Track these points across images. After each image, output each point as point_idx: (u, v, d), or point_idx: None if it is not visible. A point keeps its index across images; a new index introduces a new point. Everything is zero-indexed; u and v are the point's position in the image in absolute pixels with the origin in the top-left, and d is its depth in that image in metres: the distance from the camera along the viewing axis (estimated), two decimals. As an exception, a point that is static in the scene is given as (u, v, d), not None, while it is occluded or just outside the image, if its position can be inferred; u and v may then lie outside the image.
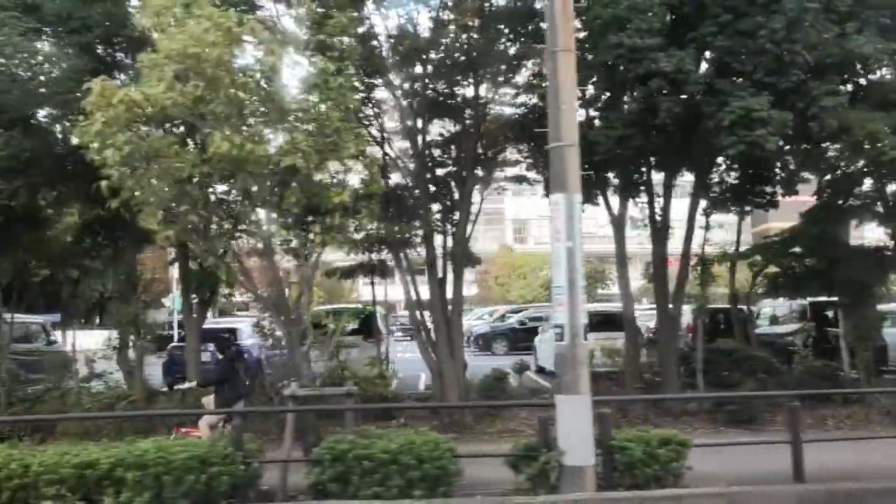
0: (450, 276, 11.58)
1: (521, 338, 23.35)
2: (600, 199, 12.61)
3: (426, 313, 11.62)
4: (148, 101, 6.75)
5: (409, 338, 26.52)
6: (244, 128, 6.85)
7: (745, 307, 14.20)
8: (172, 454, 6.67)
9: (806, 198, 12.84)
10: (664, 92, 8.98)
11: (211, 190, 7.61)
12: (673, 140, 9.62)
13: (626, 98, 9.75)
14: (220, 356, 9.42)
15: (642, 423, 10.80)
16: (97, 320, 50.14)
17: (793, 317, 15.08)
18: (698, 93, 9.13)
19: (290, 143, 6.90)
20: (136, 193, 7.29)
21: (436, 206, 11.92)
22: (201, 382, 9.86)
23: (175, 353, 14.11)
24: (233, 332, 14.72)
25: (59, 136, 10.31)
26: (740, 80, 9.29)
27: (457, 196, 12.22)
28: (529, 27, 10.71)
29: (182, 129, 7.90)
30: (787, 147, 10.14)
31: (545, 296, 42.28)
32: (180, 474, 6.57)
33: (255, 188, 7.19)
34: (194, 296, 12.09)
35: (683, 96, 9.16)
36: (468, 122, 11.69)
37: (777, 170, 11.27)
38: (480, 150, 11.79)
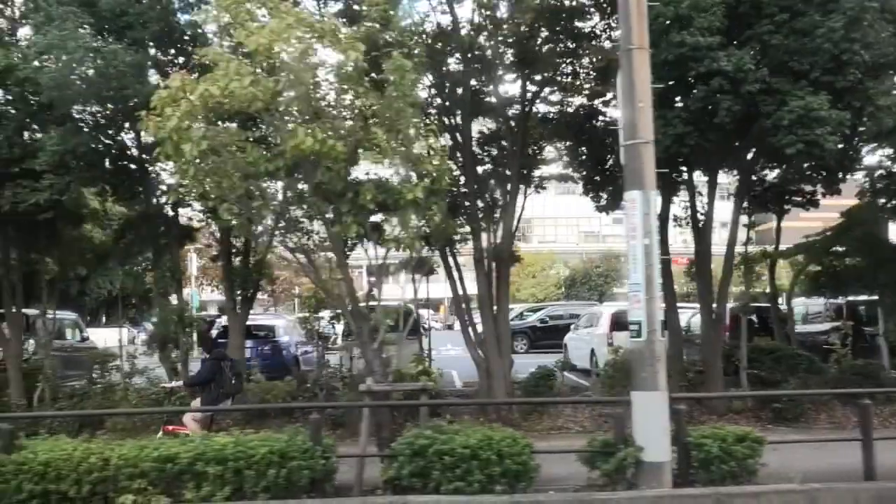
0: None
1: (541, 336, 23.39)
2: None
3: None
4: (226, 95, 6.75)
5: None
6: (327, 124, 6.84)
7: (783, 306, 14.23)
8: (252, 448, 6.70)
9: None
10: (724, 90, 9.00)
11: (282, 185, 7.62)
12: (728, 139, 9.65)
13: (683, 97, 9.76)
14: (207, 355, 9.39)
15: (687, 421, 10.88)
16: (103, 318, 50.36)
17: (827, 315, 15.12)
18: (757, 92, 9.14)
19: (368, 139, 6.91)
20: (209, 188, 7.31)
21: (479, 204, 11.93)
22: (188, 382, 9.83)
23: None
24: (270, 328, 14.81)
25: (110, 131, 10.32)
26: (797, 79, 9.31)
27: (496, 193, 12.26)
28: (578, 24, 10.73)
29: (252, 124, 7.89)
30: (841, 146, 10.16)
31: (556, 295, 42.53)
32: (261, 468, 6.60)
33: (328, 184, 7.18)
34: (238, 292, 12.07)
35: (742, 96, 9.16)
36: (512, 119, 11.71)
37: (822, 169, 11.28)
38: (526, 148, 11.81)
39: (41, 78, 8.76)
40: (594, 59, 10.14)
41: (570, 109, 12.17)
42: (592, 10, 10.59)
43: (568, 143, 13.22)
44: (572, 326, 17.75)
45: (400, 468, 6.69)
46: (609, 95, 11.26)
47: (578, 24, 10.93)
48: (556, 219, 50.39)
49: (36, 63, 9.79)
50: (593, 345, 14.58)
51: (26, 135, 10.51)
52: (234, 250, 12.26)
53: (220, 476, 6.59)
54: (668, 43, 8.85)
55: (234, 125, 7.41)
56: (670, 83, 9.07)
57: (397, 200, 7.38)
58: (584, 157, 13.16)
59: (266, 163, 7.20)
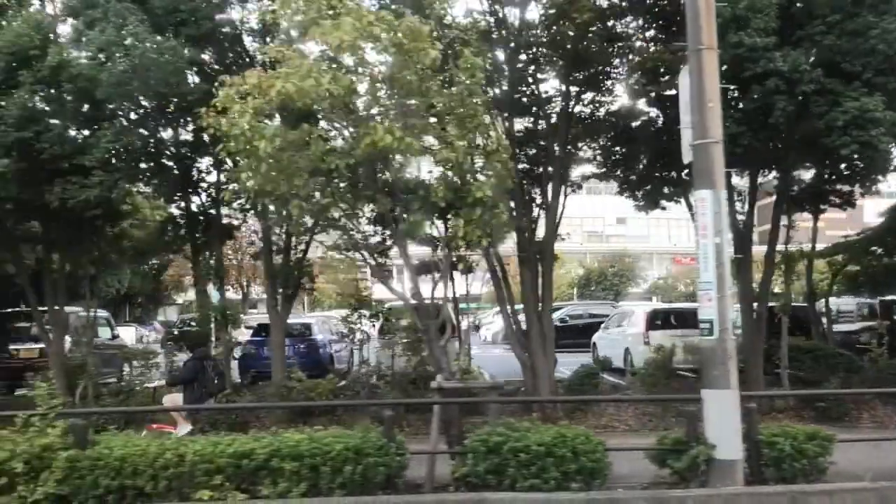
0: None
1: (562, 335, 23.30)
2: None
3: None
4: (301, 93, 6.78)
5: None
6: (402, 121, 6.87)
7: (821, 306, 14.27)
8: (326, 445, 6.73)
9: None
10: (780, 91, 9.03)
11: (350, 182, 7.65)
12: (781, 139, 9.68)
13: (739, 97, 9.79)
14: (190, 355, 9.46)
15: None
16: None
17: (859, 315, 15.16)
18: (811, 92, 9.17)
19: (442, 136, 6.94)
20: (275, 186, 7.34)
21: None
22: (170, 381, 9.90)
23: (249, 347, 14.14)
24: (306, 326, 14.84)
25: (160, 128, 10.34)
26: (849, 80, 9.34)
27: (539, 192, 12.30)
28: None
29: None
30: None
31: (568, 294, 42.52)
32: (338, 465, 6.62)
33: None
34: (279, 290, 12.08)
35: (796, 96, 9.20)
36: (554, 118, 11.74)
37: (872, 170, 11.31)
38: (570, 147, 11.85)
39: (101, 75, 8.77)
40: (641, 59, 10.12)
41: (611, 109, 12.17)
42: (639, 10, 10.59)
43: (603, 143, 13.24)
44: (602, 326, 17.79)
45: (474, 465, 6.72)
46: (652, 95, 11.25)
47: (625, 24, 10.94)
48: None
49: (84, 59, 9.82)
50: (627, 344, 14.63)
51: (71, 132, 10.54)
52: (274, 248, 12.27)
53: (296, 472, 6.62)
54: (726, 43, 8.84)
55: (305, 123, 7.37)
56: (726, 83, 9.07)
57: (465, 198, 7.42)
58: (619, 156, 13.20)
59: (336, 160, 7.22)
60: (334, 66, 6.91)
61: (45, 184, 10.24)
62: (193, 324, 34.82)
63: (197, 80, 10.09)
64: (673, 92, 11.02)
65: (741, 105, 9.45)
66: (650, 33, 11.37)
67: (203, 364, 9.19)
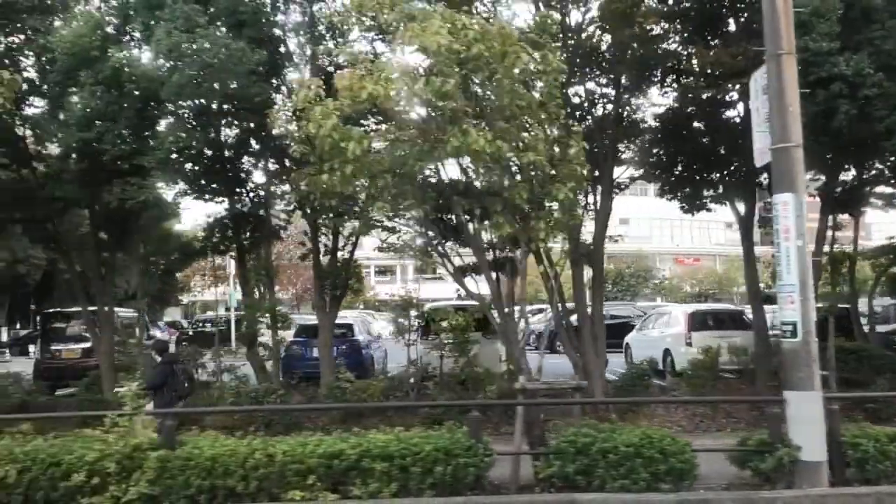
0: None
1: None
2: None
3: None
4: (391, 94, 6.82)
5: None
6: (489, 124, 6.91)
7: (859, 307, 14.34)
8: (415, 445, 6.77)
9: None
10: (843, 95, 9.10)
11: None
12: (840, 143, 9.76)
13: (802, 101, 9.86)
14: (159, 358, 9.44)
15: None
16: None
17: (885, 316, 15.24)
18: (873, 96, 9.24)
19: (532, 139, 6.99)
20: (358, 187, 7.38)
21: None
22: (142, 386, 9.86)
23: (293, 348, 14.14)
24: (348, 327, 14.86)
25: (221, 129, 10.37)
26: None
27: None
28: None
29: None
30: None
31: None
32: (428, 465, 6.66)
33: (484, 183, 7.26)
34: (327, 291, 12.11)
35: (858, 100, 9.26)
36: (604, 120, 11.80)
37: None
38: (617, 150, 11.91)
39: (173, 77, 8.79)
40: (700, 62, 10.17)
41: (658, 111, 12.25)
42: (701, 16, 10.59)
43: (646, 145, 13.30)
44: (636, 327, 17.83)
45: (562, 466, 6.76)
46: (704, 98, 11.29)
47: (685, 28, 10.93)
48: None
49: (145, 59, 9.85)
50: (667, 345, 14.68)
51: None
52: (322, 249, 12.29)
53: (387, 473, 6.65)
54: (792, 48, 8.92)
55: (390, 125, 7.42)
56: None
57: (542, 200, 7.47)
58: (661, 158, 13.25)
59: (419, 161, 7.26)
60: (422, 69, 6.93)
61: (105, 184, 10.26)
62: (209, 325, 34.81)
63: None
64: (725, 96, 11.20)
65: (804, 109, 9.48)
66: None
67: (173, 368, 9.18)
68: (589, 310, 11.74)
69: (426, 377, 12.06)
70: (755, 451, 7.02)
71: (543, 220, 7.41)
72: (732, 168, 12.30)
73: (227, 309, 27.38)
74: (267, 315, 11.89)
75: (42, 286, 45.73)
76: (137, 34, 10.59)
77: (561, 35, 10.40)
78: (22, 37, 10.56)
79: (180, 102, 9.52)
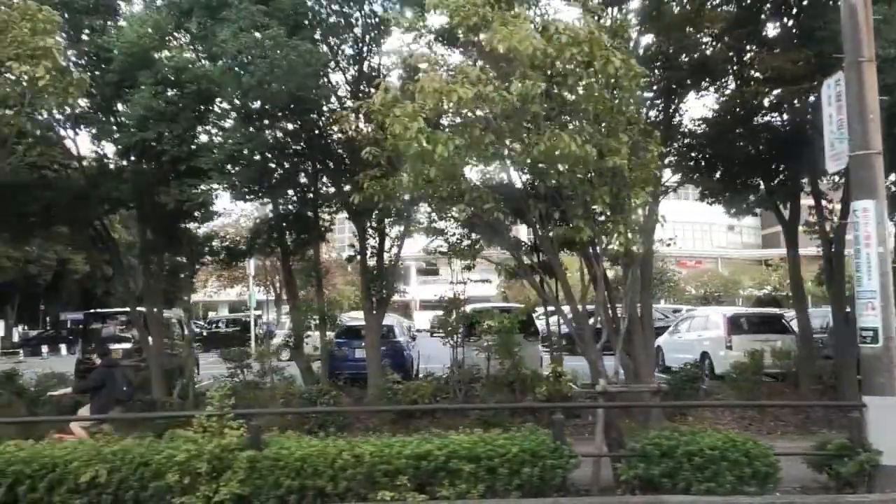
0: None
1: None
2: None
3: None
4: (480, 98, 6.87)
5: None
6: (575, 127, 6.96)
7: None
8: (502, 447, 6.81)
9: None
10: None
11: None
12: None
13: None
14: (99, 361, 9.42)
15: (825, 426, 11.09)
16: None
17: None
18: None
19: (617, 143, 7.05)
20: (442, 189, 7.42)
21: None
22: (78, 388, 9.86)
23: (335, 349, 14.14)
24: (389, 328, 14.88)
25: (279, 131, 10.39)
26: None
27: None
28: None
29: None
30: None
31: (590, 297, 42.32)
32: (515, 467, 6.70)
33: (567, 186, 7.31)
34: (373, 293, 12.14)
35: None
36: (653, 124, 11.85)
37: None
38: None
39: (243, 78, 8.82)
40: (761, 67, 10.23)
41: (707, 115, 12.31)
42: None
43: (689, 149, 13.36)
44: (668, 330, 17.87)
45: (647, 468, 6.80)
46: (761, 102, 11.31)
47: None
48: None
49: (205, 61, 9.87)
50: (705, 348, 14.75)
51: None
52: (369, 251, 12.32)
53: (474, 474, 6.69)
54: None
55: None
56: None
57: (621, 204, 7.52)
58: (701, 162, 13.31)
59: (502, 165, 7.31)
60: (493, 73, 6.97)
61: (161, 185, 10.27)
62: (221, 325, 34.67)
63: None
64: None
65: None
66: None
67: (112, 372, 9.15)
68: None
69: (473, 379, 12.09)
70: (835, 455, 7.08)
71: (623, 223, 7.45)
72: (778, 172, 12.37)
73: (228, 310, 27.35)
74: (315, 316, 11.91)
75: (51, 287, 45.77)
76: (189, 35, 10.59)
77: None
78: (79, 37, 10.55)
79: (244, 104, 9.52)
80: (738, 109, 11.37)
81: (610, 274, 11.19)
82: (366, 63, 10.91)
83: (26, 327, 45.97)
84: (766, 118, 11.73)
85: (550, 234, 7.95)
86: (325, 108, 10.21)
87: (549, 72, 7.12)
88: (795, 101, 10.33)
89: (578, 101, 6.98)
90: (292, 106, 9.48)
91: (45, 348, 36.61)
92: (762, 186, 13.16)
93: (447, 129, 7.20)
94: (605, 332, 7.85)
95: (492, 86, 6.83)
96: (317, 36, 10.04)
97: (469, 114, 7.09)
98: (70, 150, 11.47)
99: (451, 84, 6.84)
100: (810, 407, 10.71)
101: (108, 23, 10.90)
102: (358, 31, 10.57)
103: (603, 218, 7.67)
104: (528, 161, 7.23)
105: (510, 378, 11.81)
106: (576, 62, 6.68)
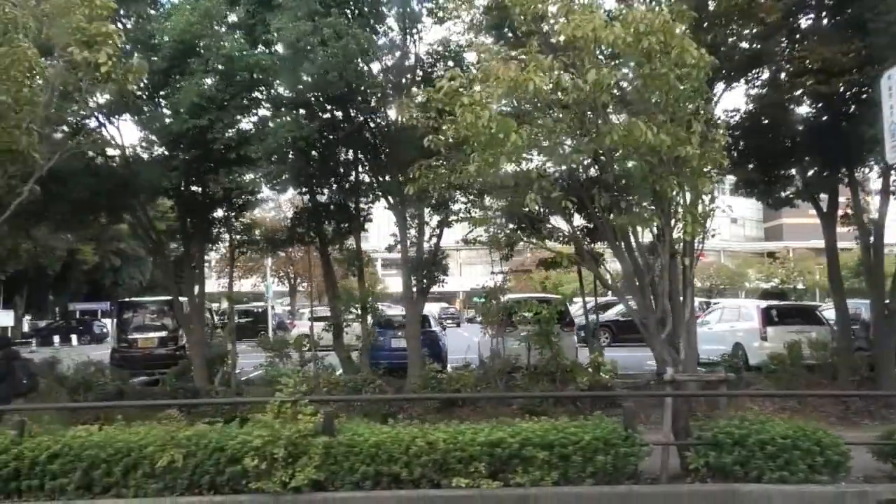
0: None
1: (624, 329, 23.54)
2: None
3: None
4: (557, 87, 6.87)
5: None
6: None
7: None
8: (574, 435, 6.84)
9: None
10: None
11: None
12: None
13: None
14: None
15: (866, 417, 11.15)
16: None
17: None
18: None
19: (687, 132, 7.05)
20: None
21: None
22: None
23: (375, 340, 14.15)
24: (424, 318, 14.89)
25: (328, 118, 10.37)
26: None
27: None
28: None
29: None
30: None
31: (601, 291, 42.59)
32: (589, 454, 6.73)
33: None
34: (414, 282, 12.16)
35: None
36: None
37: None
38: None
39: (303, 65, 8.79)
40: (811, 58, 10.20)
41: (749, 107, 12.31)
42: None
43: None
44: (699, 321, 17.88)
45: (719, 456, 6.84)
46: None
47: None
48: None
49: (261, 48, 9.83)
50: (738, 339, 14.81)
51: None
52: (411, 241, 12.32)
53: (548, 461, 6.73)
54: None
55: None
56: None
57: (691, 193, 7.53)
58: (734, 154, 13.29)
59: (574, 154, 7.32)
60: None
61: (211, 173, 10.25)
62: (223, 317, 34.75)
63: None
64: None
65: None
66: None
67: (11, 364, 9.11)
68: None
69: (514, 369, 12.13)
70: (900, 444, 7.13)
71: (690, 212, 7.47)
72: (816, 164, 12.38)
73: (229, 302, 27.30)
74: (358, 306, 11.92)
75: (60, 277, 45.68)
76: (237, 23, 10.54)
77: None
78: (128, 24, 10.51)
79: (302, 93, 9.50)
80: (784, 100, 11.34)
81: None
82: (409, 53, 10.88)
83: (33, 318, 45.89)
84: (805, 109, 11.72)
85: (613, 223, 7.94)
86: (376, 96, 10.16)
87: (617, 61, 7.13)
88: (845, 93, 10.32)
89: (650, 89, 6.96)
90: (346, 94, 9.45)
91: (56, 338, 36.63)
92: (798, 178, 13.20)
93: (513, 118, 7.16)
94: (669, 322, 7.82)
95: (567, 74, 6.82)
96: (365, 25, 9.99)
97: (539, 102, 7.07)
98: (114, 137, 11.45)
99: (528, 73, 6.83)
100: (865, 397, 10.77)
101: (155, 11, 10.87)
102: (392, 21, 10.55)
103: (672, 207, 7.68)
104: (600, 150, 7.23)
105: (551, 368, 11.85)
106: (653, 51, 6.67)
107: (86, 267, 43.64)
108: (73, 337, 37.93)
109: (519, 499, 6.62)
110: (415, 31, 10.34)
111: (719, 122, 7.86)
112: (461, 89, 7.38)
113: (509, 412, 10.63)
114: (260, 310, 33.55)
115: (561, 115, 7.25)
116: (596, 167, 7.52)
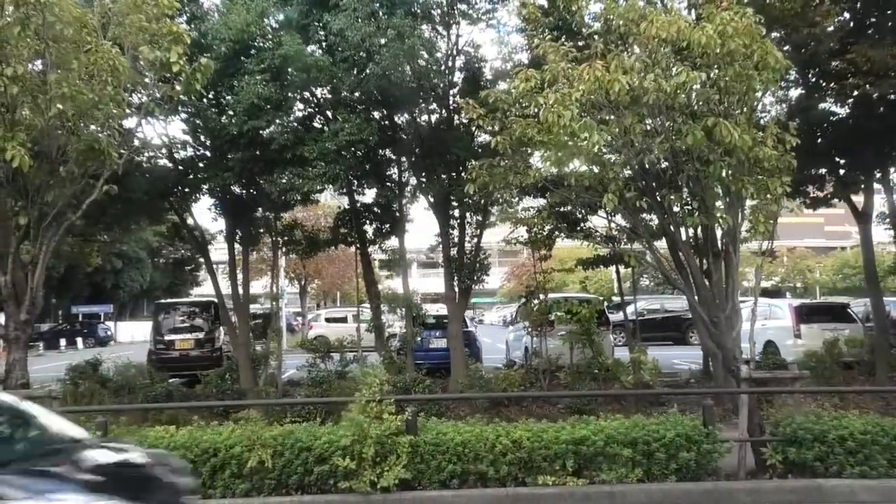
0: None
1: (643, 329, 23.70)
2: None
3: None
4: (640, 88, 6.96)
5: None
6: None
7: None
8: (657, 432, 6.92)
9: None
10: None
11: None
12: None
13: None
14: None
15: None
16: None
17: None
18: None
19: (765, 134, 7.16)
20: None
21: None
22: None
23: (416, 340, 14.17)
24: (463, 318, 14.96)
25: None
26: None
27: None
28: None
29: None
30: None
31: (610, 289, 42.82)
32: (673, 451, 6.81)
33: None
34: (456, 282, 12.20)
35: None
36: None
37: None
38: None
39: (367, 67, 8.81)
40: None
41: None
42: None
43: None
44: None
45: (799, 452, 6.94)
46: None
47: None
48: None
49: (313, 47, 9.82)
50: (769, 336, 14.95)
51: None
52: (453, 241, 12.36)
53: (632, 458, 6.80)
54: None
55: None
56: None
57: (757, 192, 7.63)
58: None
59: (649, 154, 7.40)
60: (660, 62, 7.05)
61: (266, 174, 10.25)
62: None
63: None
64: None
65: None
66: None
67: None
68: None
69: (558, 367, 12.21)
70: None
71: (762, 213, 7.57)
72: (858, 164, 12.52)
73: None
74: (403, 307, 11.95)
75: (63, 280, 45.20)
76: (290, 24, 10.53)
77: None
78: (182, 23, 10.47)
79: (364, 93, 9.50)
80: (822, 101, 11.47)
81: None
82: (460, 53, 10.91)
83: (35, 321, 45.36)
84: (846, 111, 11.84)
85: (682, 224, 8.03)
86: (434, 95, 10.18)
87: (697, 62, 7.21)
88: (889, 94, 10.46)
89: (732, 91, 7.06)
90: (405, 94, 9.47)
91: (62, 341, 36.35)
92: (830, 178, 13.34)
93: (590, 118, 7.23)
94: (737, 321, 7.92)
95: (652, 75, 6.90)
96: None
97: (619, 104, 7.14)
98: (173, 137, 11.44)
99: (615, 73, 6.91)
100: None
101: (209, 11, 10.85)
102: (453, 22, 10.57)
103: (746, 208, 7.79)
104: (680, 150, 7.31)
105: (593, 367, 11.93)
106: (738, 53, 6.76)
107: (88, 269, 43.31)
108: (79, 340, 37.62)
109: (606, 496, 6.68)
110: (467, 31, 10.40)
111: (789, 124, 7.92)
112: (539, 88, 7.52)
113: (555, 412, 10.76)
114: (267, 311, 33.46)
115: (640, 116, 7.31)
116: (672, 168, 7.56)
